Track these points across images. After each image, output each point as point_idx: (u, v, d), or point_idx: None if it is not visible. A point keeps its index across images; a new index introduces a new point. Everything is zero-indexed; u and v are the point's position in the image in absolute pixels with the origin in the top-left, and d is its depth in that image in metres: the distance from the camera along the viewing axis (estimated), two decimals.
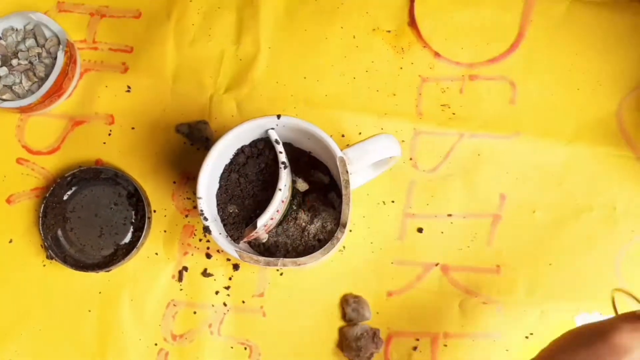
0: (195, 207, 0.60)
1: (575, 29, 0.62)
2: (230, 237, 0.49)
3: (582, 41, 0.62)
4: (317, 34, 0.63)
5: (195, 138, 0.61)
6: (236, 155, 0.51)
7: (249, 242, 0.54)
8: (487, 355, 0.57)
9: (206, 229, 0.47)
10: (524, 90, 0.62)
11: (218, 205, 0.51)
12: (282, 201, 0.50)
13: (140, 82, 0.62)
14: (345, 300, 0.58)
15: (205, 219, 0.47)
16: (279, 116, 0.49)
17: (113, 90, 0.62)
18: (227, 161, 0.51)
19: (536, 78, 0.62)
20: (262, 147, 0.51)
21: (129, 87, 0.62)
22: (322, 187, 0.56)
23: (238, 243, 0.50)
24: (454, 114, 0.61)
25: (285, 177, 0.47)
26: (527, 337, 0.57)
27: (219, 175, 0.51)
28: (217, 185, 0.51)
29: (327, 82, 0.62)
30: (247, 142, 0.51)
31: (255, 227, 0.47)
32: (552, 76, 0.62)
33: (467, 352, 0.57)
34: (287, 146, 0.53)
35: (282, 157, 0.48)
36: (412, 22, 0.63)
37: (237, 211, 0.51)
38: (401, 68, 0.62)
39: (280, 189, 0.47)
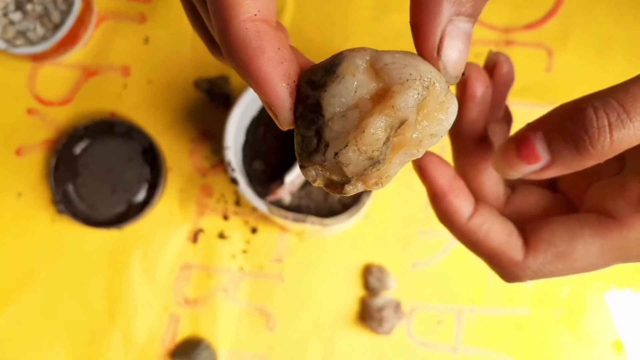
0: (213, 166, 0.57)
1: None
2: (256, 193, 0.46)
3: (621, 10, 0.59)
4: (342, 9, 0.60)
5: (215, 94, 0.58)
6: (264, 108, 0.49)
7: (271, 203, 0.51)
8: (515, 332, 0.55)
9: (234, 180, 0.44)
10: (561, 59, 0.59)
11: (243, 159, 0.48)
12: None
13: (159, 33, 0.59)
14: (368, 270, 0.55)
15: (233, 169, 0.44)
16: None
17: (130, 41, 0.59)
18: (255, 114, 0.49)
19: (574, 47, 0.59)
20: None
21: (146, 38, 0.59)
22: None
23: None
24: None
25: None
26: (556, 314, 0.55)
27: (246, 128, 0.48)
28: (243, 139, 0.48)
29: (355, 42, 0.59)
30: None
31: (282, 183, 0.44)
32: (589, 45, 0.59)
33: (494, 328, 0.55)
34: None
35: None
36: None
37: (264, 167, 0.48)
38: None
39: None
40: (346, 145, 0.18)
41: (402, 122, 0.18)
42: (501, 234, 0.22)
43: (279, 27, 0.22)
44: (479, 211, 0.23)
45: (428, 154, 0.23)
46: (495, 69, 0.25)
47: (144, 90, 0.59)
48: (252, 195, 0.44)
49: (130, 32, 0.59)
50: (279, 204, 0.51)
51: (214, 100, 0.58)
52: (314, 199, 0.51)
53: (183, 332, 0.55)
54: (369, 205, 0.51)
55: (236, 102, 0.45)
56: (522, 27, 0.59)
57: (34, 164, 0.57)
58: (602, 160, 0.20)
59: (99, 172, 0.57)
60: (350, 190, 0.19)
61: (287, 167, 0.45)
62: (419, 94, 0.18)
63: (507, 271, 0.22)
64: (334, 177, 0.19)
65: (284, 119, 0.19)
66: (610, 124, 0.19)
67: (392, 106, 0.18)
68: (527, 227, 0.23)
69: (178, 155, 0.57)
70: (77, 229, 0.56)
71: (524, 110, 0.58)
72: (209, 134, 0.57)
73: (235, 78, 0.58)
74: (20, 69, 0.59)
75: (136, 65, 0.59)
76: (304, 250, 0.56)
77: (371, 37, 0.59)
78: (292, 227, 0.50)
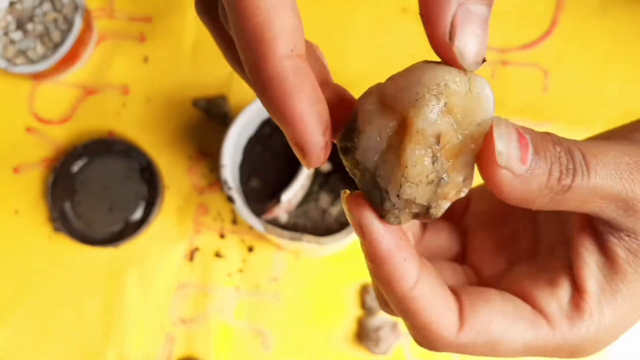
0: (210, 184, 0.57)
1: (609, 19, 0.60)
2: (252, 211, 0.46)
3: (616, 30, 0.60)
4: (344, 13, 0.60)
5: (213, 113, 0.58)
6: (261, 126, 0.49)
7: (268, 222, 0.51)
8: None
9: (230, 198, 0.44)
10: (557, 79, 0.59)
11: (240, 178, 0.48)
12: (307, 178, 0.47)
13: (158, 53, 0.60)
14: (365, 289, 0.55)
15: (229, 188, 0.44)
16: None
17: (129, 61, 0.60)
18: (252, 132, 0.49)
19: (569, 67, 0.60)
20: None
21: (146, 57, 0.60)
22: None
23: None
24: None
25: None
26: None
27: (243, 146, 0.49)
28: (240, 158, 0.49)
29: (353, 61, 0.59)
30: None
31: (279, 201, 0.44)
32: (585, 66, 0.60)
33: None
34: None
35: None
36: None
37: (260, 185, 0.48)
38: (430, 50, 0.60)
39: None
40: (400, 186, 0.18)
41: (438, 137, 0.18)
42: (441, 308, 0.19)
43: (310, 46, 0.21)
44: (423, 277, 0.19)
45: (358, 200, 0.20)
46: None
47: (142, 109, 0.59)
48: (248, 214, 0.44)
49: (129, 51, 0.60)
50: (275, 223, 0.51)
51: (211, 119, 0.58)
52: (310, 218, 0.51)
53: (178, 352, 0.55)
54: None
55: (234, 120, 0.46)
56: (518, 47, 0.60)
57: (32, 182, 0.57)
58: (548, 207, 0.18)
59: (97, 190, 0.57)
60: (437, 212, 0.19)
61: (283, 186, 0.45)
62: (435, 105, 0.18)
63: (429, 342, 0.20)
64: (415, 210, 0.19)
65: (315, 159, 0.18)
66: (575, 170, 0.18)
67: (417, 131, 0.17)
68: (463, 295, 0.20)
69: (175, 173, 0.58)
70: (73, 247, 0.56)
71: None
72: (206, 152, 0.58)
73: (233, 97, 0.58)
74: (20, 87, 0.59)
75: (135, 84, 0.59)
76: (301, 269, 0.56)
77: (369, 57, 0.60)
78: (289, 245, 0.50)
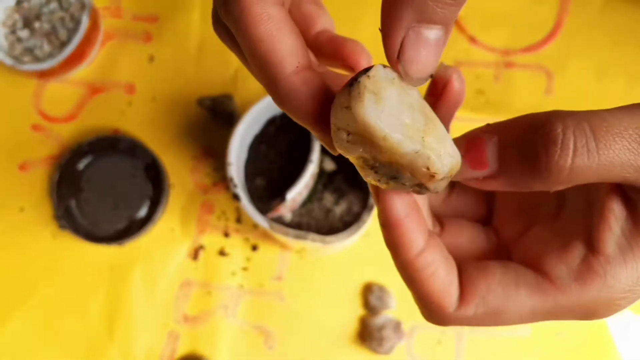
0: (215, 183, 0.57)
1: (612, 22, 0.61)
2: (257, 210, 0.47)
3: (620, 33, 0.60)
4: (351, 16, 0.61)
5: (218, 112, 0.58)
6: (267, 125, 0.49)
7: (272, 220, 0.51)
8: (515, 353, 0.54)
9: (235, 196, 0.45)
10: (560, 81, 0.60)
11: (246, 176, 0.48)
12: (311, 177, 0.47)
13: (164, 52, 0.60)
14: (368, 289, 0.55)
15: (235, 185, 0.45)
16: None
17: (135, 60, 0.60)
18: (257, 131, 0.49)
19: (572, 70, 0.60)
20: None
21: (151, 56, 0.60)
22: (350, 168, 0.54)
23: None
24: (488, 101, 0.59)
25: (318, 149, 0.45)
26: (556, 336, 0.54)
27: (248, 145, 0.49)
28: (245, 156, 0.49)
29: None
30: (279, 112, 0.49)
31: (283, 200, 0.45)
32: (588, 68, 0.60)
33: (494, 349, 0.54)
34: None
35: None
36: None
37: (265, 184, 0.49)
38: None
39: (312, 161, 0.44)
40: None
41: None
42: (444, 279, 0.20)
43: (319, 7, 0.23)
44: (429, 249, 0.20)
45: None
46: (446, 87, 0.22)
47: (148, 108, 0.59)
48: (253, 212, 0.45)
49: (135, 50, 0.60)
50: (279, 221, 0.51)
51: (216, 118, 0.59)
52: (314, 217, 0.52)
53: (182, 350, 0.55)
54: (369, 223, 0.51)
55: (240, 119, 0.46)
56: (521, 49, 0.60)
57: (37, 180, 0.58)
58: (551, 188, 0.18)
59: (102, 188, 0.57)
60: (436, 187, 0.19)
61: (288, 184, 0.46)
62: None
63: (433, 315, 0.21)
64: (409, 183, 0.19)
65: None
66: (575, 149, 0.17)
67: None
68: (464, 271, 0.21)
69: (180, 172, 0.58)
70: (78, 244, 0.56)
71: None
72: (210, 151, 0.58)
73: (238, 96, 0.59)
74: (27, 85, 0.59)
75: (141, 83, 0.60)
76: (304, 268, 0.56)
77: (375, 59, 0.60)
78: (293, 244, 0.50)
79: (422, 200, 0.23)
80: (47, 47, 0.57)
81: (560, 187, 0.18)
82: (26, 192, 0.57)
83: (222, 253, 0.56)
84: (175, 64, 0.60)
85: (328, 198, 0.52)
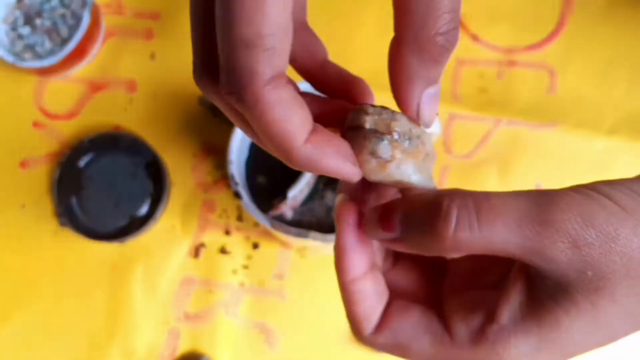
0: (216, 181, 0.57)
1: (615, 21, 0.60)
2: (258, 208, 0.46)
3: (623, 32, 0.60)
4: (352, 12, 0.60)
5: (219, 110, 0.58)
6: None
7: (274, 218, 0.51)
8: None
9: (236, 194, 0.45)
10: (563, 80, 0.59)
11: (247, 174, 0.48)
12: (313, 175, 0.47)
13: (165, 49, 0.60)
14: None
15: (236, 183, 0.45)
16: None
17: (136, 57, 0.60)
18: None
19: (575, 68, 0.60)
20: None
21: (153, 54, 0.60)
22: None
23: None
24: (491, 99, 0.59)
25: None
26: None
27: (249, 143, 0.49)
28: (246, 154, 0.49)
29: (359, 60, 0.59)
30: None
31: (285, 198, 0.45)
32: (591, 67, 0.60)
33: None
34: None
35: None
36: None
37: (266, 182, 0.48)
38: None
39: None
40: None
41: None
42: (367, 307, 0.23)
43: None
44: (364, 278, 0.23)
45: (347, 206, 0.23)
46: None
47: (149, 105, 0.59)
48: (254, 210, 0.44)
49: (137, 47, 0.60)
50: (281, 219, 0.51)
51: (217, 115, 0.58)
52: (315, 215, 0.51)
53: (183, 347, 0.55)
54: None
55: None
56: (524, 47, 0.60)
57: (38, 177, 0.58)
58: (444, 253, 0.20)
59: (103, 185, 0.57)
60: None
61: (289, 183, 0.46)
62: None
63: (353, 333, 0.24)
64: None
65: (356, 177, 0.22)
66: (457, 223, 0.19)
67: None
68: (391, 305, 0.24)
69: (181, 170, 0.58)
70: (79, 241, 0.56)
71: (527, 130, 0.58)
72: (211, 149, 0.58)
73: None
74: (28, 82, 0.59)
75: (142, 80, 0.59)
76: (305, 267, 0.56)
77: (376, 56, 0.60)
78: (294, 242, 0.50)
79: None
80: (48, 44, 0.57)
81: (454, 255, 0.20)
82: (27, 189, 0.57)
83: (223, 251, 0.56)
84: (176, 62, 0.60)
85: (329, 196, 0.52)
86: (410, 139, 0.22)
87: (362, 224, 0.23)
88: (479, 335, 0.21)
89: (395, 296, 0.24)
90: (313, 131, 0.20)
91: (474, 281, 0.24)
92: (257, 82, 0.18)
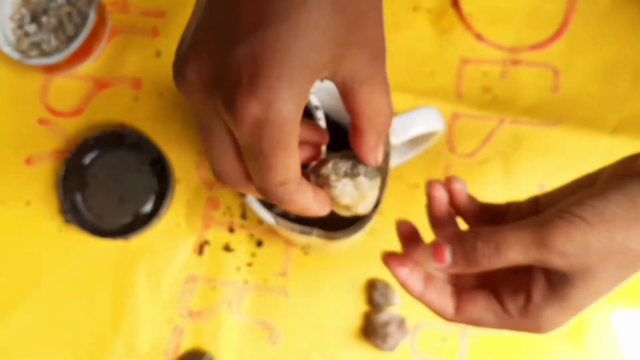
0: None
1: (620, 20, 0.60)
2: (262, 205, 0.46)
3: (628, 32, 0.60)
4: None
5: None
6: None
7: (277, 216, 0.51)
8: (519, 350, 0.54)
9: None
10: (567, 79, 0.59)
11: None
12: None
13: (171, 47, 0.60)
14: (372, 285, 0.55)
15: None
16: (321, 79, 0.46)
17: (142, 55, 0.60)
18: None
19: (579, 67, 0.60)
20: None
21: (158, 51, 0.60)
22: None
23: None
24: (494, 98, 0.59)
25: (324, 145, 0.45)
26: (563, 334, 0.54)
27: None
28: None
29: None
30: None
31: None
32: (595, 66, 0.60)
33: (498, 346, 0.54)
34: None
35: (322, 124, 0.46)
36: (455, 3, 0.61)
37: None
38: (441, 49, 0.60)
39: None
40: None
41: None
42: (441, 304, 0.33)
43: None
44: (430, 288, 0.34)
45: (392, 256, 0.34)
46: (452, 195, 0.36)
47: (154, 103, 0.59)
48: (259, 207, 0.45)
49: (142, 45, 0.60)
50: (285, 217, 0.51)
51: None
52: None
53: (186, 344, 0.55)
54: (374, 220, 0.51)
55: None
56: (528, 47, 0.60)
57: (43, 174, 0.58)
58: (482, 270, 0.31)
59: (108, 182, 0.57)
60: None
61: None
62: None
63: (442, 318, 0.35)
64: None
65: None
66: (485, 255, 0.30)
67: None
68: (461, 295, 0.34)
69: (186, 167, 0.58)
70: (83, 238, 0.56)
71: (531, 129, 0.58)
72: None
73: None
74: (33, 79, 0.60)
75: (148, 78, 0.60)
76: (309, 265, 0.56)
77: None
78: (298, 240, 0.50)
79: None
80: (54, 42, 0.57)
81: (490, 269, 0.30)
82: (32, 186, 0.58)
83: (227, 248, 0.56)
84: None
85: None
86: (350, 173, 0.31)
87: (405, 261, 0.33)
88: (524, 311, 0.31)
89: (467, 287, 0.34)
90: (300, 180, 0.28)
91: (514, 270, 0.32)
92: (290, 194, 0.27)
